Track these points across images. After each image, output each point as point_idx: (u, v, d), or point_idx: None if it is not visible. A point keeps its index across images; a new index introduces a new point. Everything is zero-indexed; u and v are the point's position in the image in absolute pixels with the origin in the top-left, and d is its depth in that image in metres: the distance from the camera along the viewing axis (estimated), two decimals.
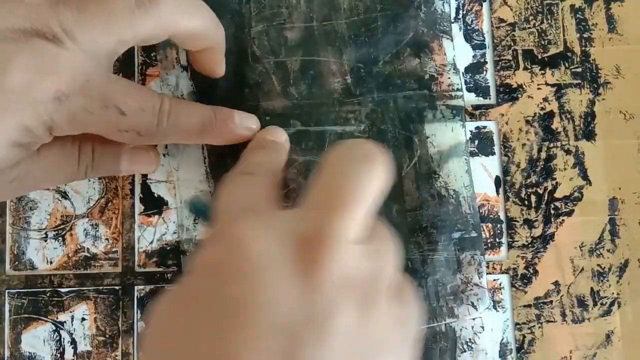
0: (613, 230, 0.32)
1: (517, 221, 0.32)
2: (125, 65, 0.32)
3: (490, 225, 0.32)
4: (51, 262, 0.32)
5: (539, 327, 0.32)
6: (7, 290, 0.32)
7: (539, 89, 0.33)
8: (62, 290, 0.32)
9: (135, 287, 0.32)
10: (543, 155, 0.33)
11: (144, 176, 0.32)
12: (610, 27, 0.33)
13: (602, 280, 0.32)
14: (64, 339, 0.32)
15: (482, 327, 0.31)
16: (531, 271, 0.32)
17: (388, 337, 0.20)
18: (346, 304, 0.19)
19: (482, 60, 0.33)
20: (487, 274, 0.32)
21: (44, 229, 0.32)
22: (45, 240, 0.32)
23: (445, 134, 0.32)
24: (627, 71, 0.33)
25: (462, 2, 0.33)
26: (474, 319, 0.31)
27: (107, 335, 0.32)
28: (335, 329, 0.19)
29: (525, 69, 0.33)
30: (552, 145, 0.33)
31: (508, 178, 0.32)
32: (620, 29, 0.33)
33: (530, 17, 0.33)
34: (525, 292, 0.32)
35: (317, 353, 0.18)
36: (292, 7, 0.32)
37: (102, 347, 0.32)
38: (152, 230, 0.32)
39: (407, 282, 0.23)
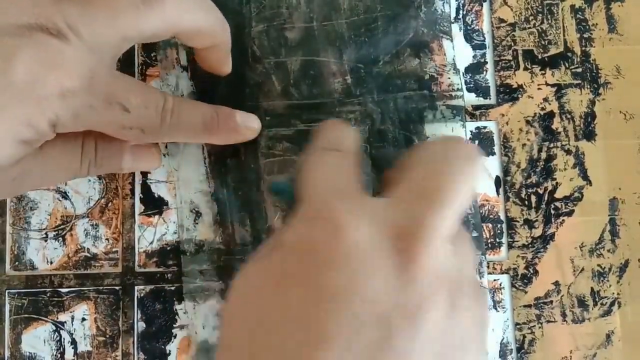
0: (613, 231, 0.32)
1: (518, 221, 0.32)
2: (125, 65, 0.32)
3: (490, 225, 0.32)
4: (51, 262, 0.32)
5: (539, 327, 0.32)
6: (7, 291, 0.32)
7: (539, 89, 0.33)
8: (63, 290, 0.32)
9: (136, 287, 0.32)
10: (543, 155, 0.33)
11: (144, 176, 0.32)
12: (611, 27, 0.33)
13: (602, 281, 0.32)
14: (64, 339, 0.32)
15: None
16: (531, 271, 0.32)
17: (470, 336, 0.20)
18: (438, 299, 0.19)
19: (483, 60, 0.33)
20: (488, 274, 0.32)
21: (44, 229, 0.32)
22: (46, 241, 0.32)
23: (445, 134, 0.32)
24: (627, 71, 0.33)
25: (462, 2, 0.33)
26: None
27: (107, 336, 0.32)
28: (428, 323, 0.19)
29: (525, 69, 0.33)
30: (552, 145, 0.33)
31: (508, 178, 0.32)
32: (620, 29, 0.33)
33: (531, 17, 0.33)
34: (526, 292, 0.32)
35: (409, 345, 0.18)
36: (292, 7, 0.32)
37: (103, 347, 0.32)
38: (152, 231, 0.32)
39: (480, 284, 0.23)
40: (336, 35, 0.32)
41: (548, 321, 0.32)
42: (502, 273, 0.32)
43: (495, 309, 0.32)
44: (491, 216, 0.32)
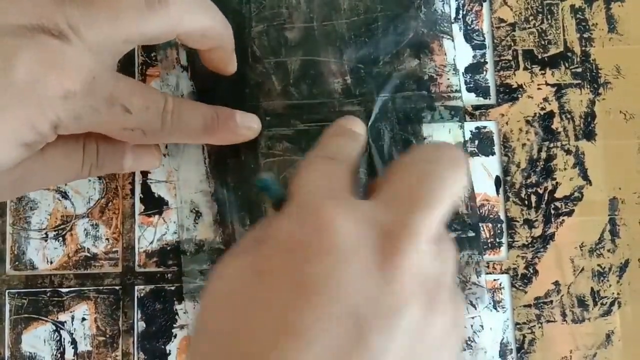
0: (613, 230, 0.32)
1: (517, 221, 0.32)
2: (125, 65, 0.32)
3: (490, 225, 0.32)
4: (51, 262, 0.32)
5: (539, 327, 0.32)
6: (7, 290, 0.32)
7: (539, 89, 0.33)
8: (63, 290, 0.32)
9: (136, 287, 0.32)
10: (543, 155, 0.33)
11: (144, 176, 0.32)
12: (611, 27, 0.33)
13: (602, 280, 0.32)
14: (64, 339, 0.32)
15: (482, 326, 0.31)
16: (531, 271, 0.32)
17: (446, 337, 0.20)
18: (416, 299, 0.19)
19: (482, 60, 0.33)
20: (488, 274, 0.32)
21: (44, 229, 0.32)
22: (46, 240, 0.32)
23: (443, 135, 0.32)
24: (627, 71, 0.33)
25: (462, 2, 0.33)
26: (472, 317, 0.31)
27: (107, 335, 0.32)
28: (405, 321, 0.19)
29: (525, 69, 0.33)
30: (552, 145, 0.33)
31: (508, 178, 0.32)
32: (620, 29, 0.33)
33: (531, 17, 0.33)
34: (526, 292, 0.32)
35: (383, 344, 0.18)
36: (293, 7, 0.32)
37: (103, 347, 0.32)
38: (152, 230, 0.32)
39: (458, 287, 0.23)
40: (336, 35, 0.32)
41: (548, 321, 0.32)
42: (502, 273, 0.32)
43: (495, 309, 0.32)
44: (491, 216, 0.32)
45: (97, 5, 0.24)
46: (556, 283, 0.32)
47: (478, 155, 0.33)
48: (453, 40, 0.33)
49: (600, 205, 0.32)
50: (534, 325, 0.32)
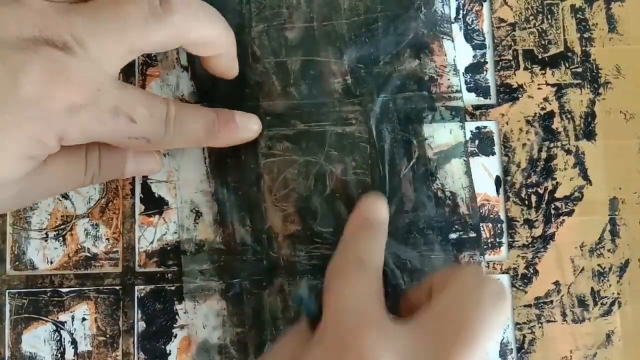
0: (613, 230, 0.32)
1: (518, 221, 0.32)
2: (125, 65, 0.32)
3: (490, 225, 0.32)
4: (52, 262, 0.32)
5: (540, 327, 0.32)
6: (7, 290, 0.32)
7: (539, 89, 0.33)
8: (63, 290, 0.32)
9: (136, 287, 0.32)
10: (543, 155, 0.33)
11: (145, 176, 0.32)
12: (611, 27, 0.33)
13: (602, 280, 0.32)
14: (64, 339, 0.32)
15: None
16: (531, 271, 0.32)
17: None
18: None
19: (483, 60, 0.33)
20: (488, 274, 0.32)
21: (44, 229, 0.32)
22: (46, 240, 0.32)
23: (444, 136, 0.32)
24: (627, 71, 0.33)
25: (463, 2, 0.33)
26: None
27: (107, 335, 0.32)
28: None
29: (525, 69, 0.33)
30: (552, 145, 0.33)
31: (508, 178, 0.32)
32: (620, 29, 0.33)
33: (531, 17, 0.33)
34: (526, 292, 0.32)
35: None
36: (293, 7, 0.32)
37: (103, 347, 0.32)
38: (152, 230, 0.32)
39: None
40: (336, 35, 0.32)
41: (548, 321, 0.32)
42: (502, 273, 0.32)
43: None
44: (491, 216, 0.32)
45: (101, 16, 0.24)
46: (556, 283, 0.32)
47: (478, 155, 0.33)
48: (453, 41, 0.33)
49: (601, 205, 0.32)
50: (534, 325, 0.32)
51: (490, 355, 0.31)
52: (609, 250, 0.32)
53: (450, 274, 0.23)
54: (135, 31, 0.24)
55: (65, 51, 0.23)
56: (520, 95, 0.33)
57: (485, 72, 0.33)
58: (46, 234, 0.32)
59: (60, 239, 0.32)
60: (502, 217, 0.32)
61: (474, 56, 0.33)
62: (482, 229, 0.32)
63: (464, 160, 0.32)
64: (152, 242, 0.32)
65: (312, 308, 0.24)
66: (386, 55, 0.32)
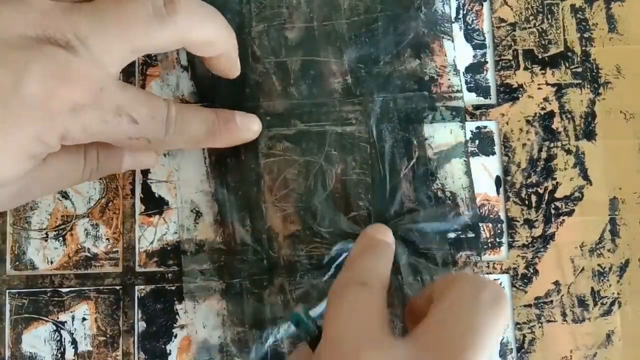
0: (613, 230, 0.32)
1: (518, 221, 0.32)
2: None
3: (490, 225, 0.32)
4: (52, 262, 0.32)
5: (540, 327, 0.32)
6: (7, 290, 0.32)
7: (539, 88, 0.33)
8: (63, 290, 0.32)
9: (136, 287, 0.32)
10: (543, 155, 0.33)
11: (145, 176, 0.32)
12: (611, 27, 0.33)
13: (602, 280, 0.32)
14: (64, 338, 0.32)
15: None
16: (531, 271, 0.32)
17: None
18: None
19: (483, 60, 0.33)
20: (488, 274, 0.32)
21: (44, 229, 0.32)
22: (46, 240, 0.32)
23: (444, 136, 0.32)
24: (627, 71, 0.33)
25: (463, 2, 0.33)
26: None
27: (107, 335, 0.32)
28: None
29: (525, 68, 0.33)
30: (552, 145, 0.33)
31: (508, 178, 0.32)
32: (620, 28, 0.33)
33: (531, 17, 0.33)
34: (526, 292, 0.32)
35: None
36: (293, 7, 0.32)
37: (103, 347, 0.32)
38: (152, 230, 0.32)
39: None
40: (336, 35, 0.32)
41: (548, 321, 0.32)
42: (502, 273, 0.32)
43: None
44: (491, 216, 0.32)
45: (105, 16, 0.24)
46: (556, 283, 0.32)
47: (478, 155, 0.33)
48: (453, 41, 0.33)
49: (601, 205, 0.32)
50: (534, 325, 0.32)
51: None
52: (609, 250, 0.32)
53: (448, 282, 0.23)
54: (138, 31, 0.24)
55: (69, 50, 0.23)
56: (520, 95, 0.33)
57: (485, 72, 0.33)
58: (46, 234, 0.32)
59: (61, 239, 0.32)
60: (502, 217, 0.32)
61: (474, 56, 0.33)
62: (482, 229, 0.32)
63: (464, 160, 0.32)
64: (152, 242, 0.32)
65: (311, 328, 0.24)
66: (386, 55, 0.32)
